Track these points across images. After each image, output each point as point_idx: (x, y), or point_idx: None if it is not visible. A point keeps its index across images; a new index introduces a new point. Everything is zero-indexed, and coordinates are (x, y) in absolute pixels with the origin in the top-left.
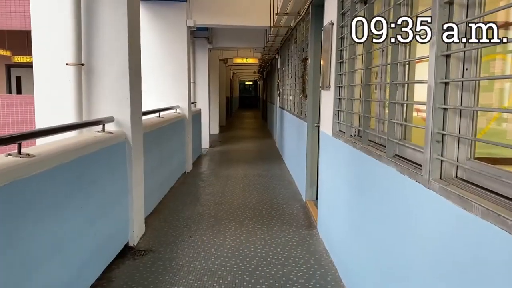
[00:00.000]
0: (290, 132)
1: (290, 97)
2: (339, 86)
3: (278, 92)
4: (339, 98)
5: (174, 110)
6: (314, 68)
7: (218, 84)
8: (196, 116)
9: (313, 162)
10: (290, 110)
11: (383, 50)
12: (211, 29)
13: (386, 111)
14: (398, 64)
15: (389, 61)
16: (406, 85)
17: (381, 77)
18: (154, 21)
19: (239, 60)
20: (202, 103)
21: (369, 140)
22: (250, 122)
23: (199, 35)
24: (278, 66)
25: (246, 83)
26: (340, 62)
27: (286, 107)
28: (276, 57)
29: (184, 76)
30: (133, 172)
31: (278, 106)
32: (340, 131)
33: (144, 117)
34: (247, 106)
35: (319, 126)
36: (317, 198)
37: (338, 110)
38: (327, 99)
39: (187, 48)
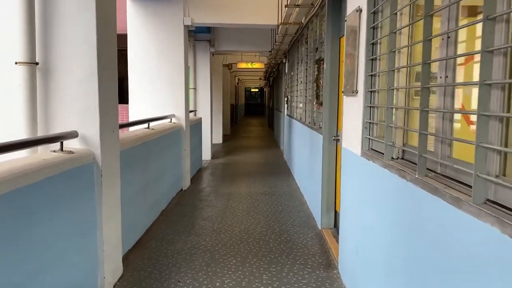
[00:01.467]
0: (300, 144)
1: (300, 105)
2: (371, 91)
3: (285, 99)
4: (370, 107)
5: (168, 120)
6: (331, 70)
7: (221, 90)
8: (195, 125)
9: (330, 183)
10: (300, 119)
11: (449, 37)
12: (213, 31)
13: (454, 125)
14: (494, 52)
15: (458, 51)
16: (506, 87)
17: (446, 77)
18: (146, 19)
19: (243, 65)
20: (204, 111)
21: (427, 168)
22: (256, 130)
23: (200, 38)
24: (286, 71)
25: (252, 90)
26: (372, 60)
27: (295, 115)
28: (284, 61)
29: (181, 81)
30: (103, 201)
31: (285, 114)
32: (374, 150)
33: (131, 129)
34: (253, 113)
35: (337, 140)
36: (335, 226)
37: (370, 122)
38: (353, 107)
39: (184, 49)
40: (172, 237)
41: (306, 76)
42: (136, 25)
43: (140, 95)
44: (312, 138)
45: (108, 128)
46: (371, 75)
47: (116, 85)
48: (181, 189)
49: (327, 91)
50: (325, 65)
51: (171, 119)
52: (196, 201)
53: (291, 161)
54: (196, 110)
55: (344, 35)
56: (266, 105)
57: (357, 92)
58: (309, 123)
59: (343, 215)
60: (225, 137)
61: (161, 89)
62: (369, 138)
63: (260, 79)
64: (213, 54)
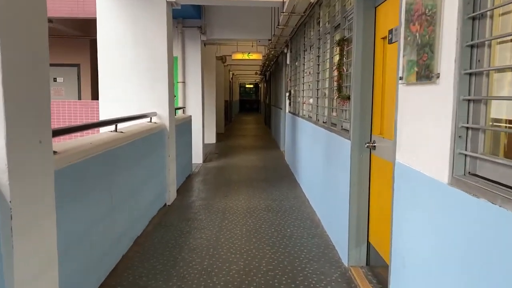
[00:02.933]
0: (310, 148)
1: (311, 100)
2: (472, 73)
3: (288, 94)
4: (470, 101)
5: (147, 119)
6: (363, 52)
7: (215, 85)
8: (183, 125)
9: (362, 207)
10: (311, 118)
11: None
12: (205, 16)
13: None
14: None
15: None
16: None
17: None
18: None
19: (239, 56)
20: (195, 108)
21: None
22: (252, 128)
23: (190, 24)
24: (288, 62)
25: (247, 85)
26: (474, 18)
27: (302, 113)
28: (285, 51)
29: (164, 72)
30: (16, 259)
31: (287, 111)
32: (480, 177)
33: (101, 130)
34: (248, 110)
35: (373, 147)
36: (367, 263)
37: (470, 128)
38: (425, 102)
39: (168, 32)
40: (146, 282)
41: (319, 64)
42: (106, 5)
43: (112, 89)
44: (331, 143)
45: (26, 138)
46: (472, 46)
47: (47, 71)
48: (165, 204)
49: (358, 80)
50: (354, 46)
51: (151, 118)
52: (182, 221)
53: (296, 167)
54: (185, 107)
55: (381, 3)
56: (262, 102)
57: (438, 77)
58: (324, 122)
59: (400, 268)
60: (218, 136)
61: (138, 82)
62: (469, 156)
63: (256, 73)
64: (205, 44)
